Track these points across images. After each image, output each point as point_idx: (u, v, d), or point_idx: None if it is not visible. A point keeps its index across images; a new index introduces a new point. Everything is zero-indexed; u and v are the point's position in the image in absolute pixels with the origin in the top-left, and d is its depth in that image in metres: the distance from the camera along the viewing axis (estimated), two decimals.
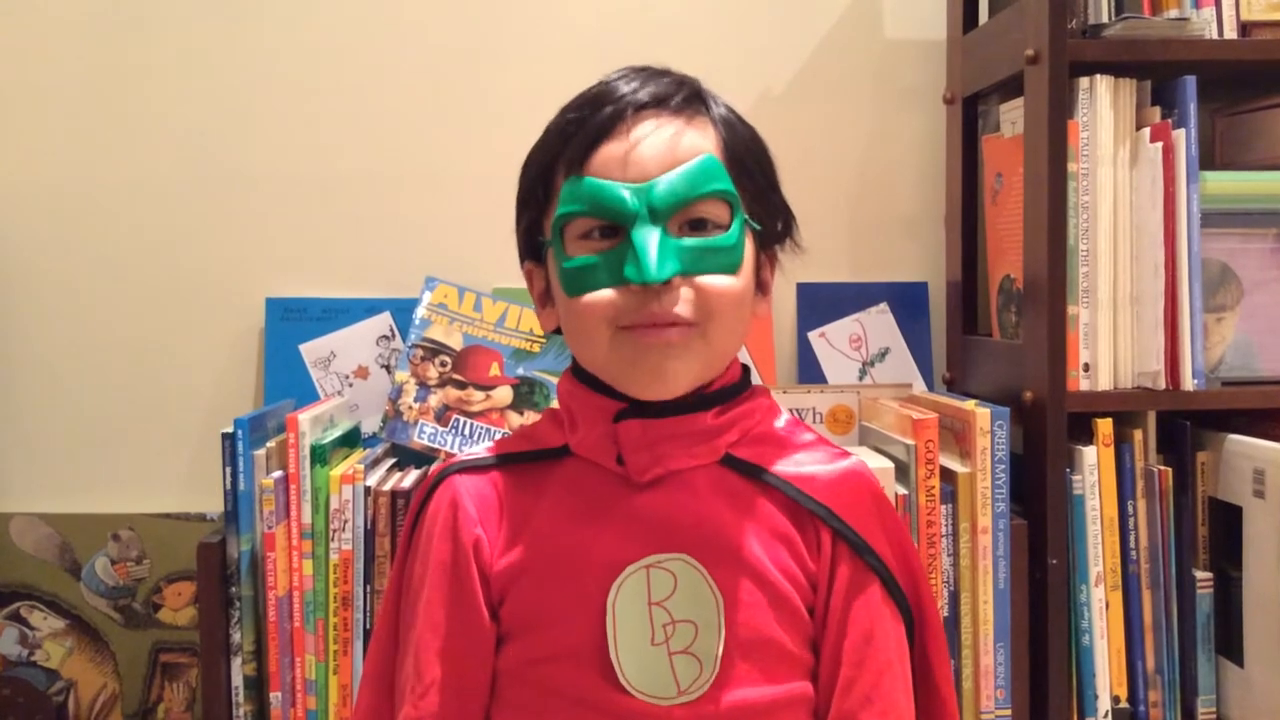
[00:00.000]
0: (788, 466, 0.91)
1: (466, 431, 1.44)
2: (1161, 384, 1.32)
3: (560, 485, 0.91)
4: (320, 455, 1.29)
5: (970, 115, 1.57)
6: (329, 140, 1.59)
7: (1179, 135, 1.31)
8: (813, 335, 1.61)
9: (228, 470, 1.28)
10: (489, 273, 1.51)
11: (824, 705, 0.88)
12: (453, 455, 1.22)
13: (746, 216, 0.90)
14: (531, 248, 0.95)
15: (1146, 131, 1.33)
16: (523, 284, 0.98)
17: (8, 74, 1.57)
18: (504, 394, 1.46)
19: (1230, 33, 1.37)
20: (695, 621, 0.86)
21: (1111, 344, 1.34)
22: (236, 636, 1.28)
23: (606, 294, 0.86)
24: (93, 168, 1.58)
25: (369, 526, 1.29)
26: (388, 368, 1.55)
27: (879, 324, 1.61)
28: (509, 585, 0.89)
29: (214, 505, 1.41)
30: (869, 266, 1.63)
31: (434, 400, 1.45)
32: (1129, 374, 1.35)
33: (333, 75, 1.58)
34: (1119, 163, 1.34)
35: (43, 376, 1.58)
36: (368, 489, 1.29)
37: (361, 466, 1.31)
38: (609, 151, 0.87)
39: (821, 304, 1.61)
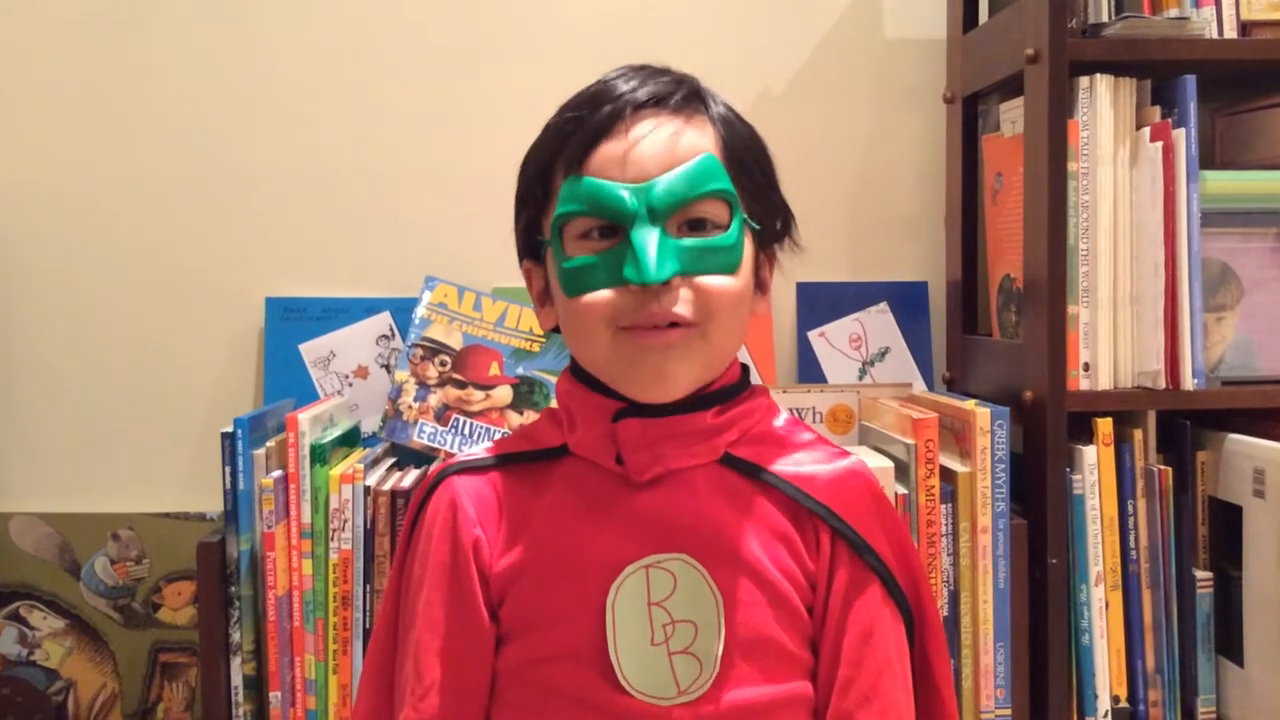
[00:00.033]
0: (787, 466, 0.91)
1: (466, 431, 1.44)
2: (1161, 383, 1.32)
3: (559, 485, 0.91)
4: (320, 455, 1.29)
5: (970, 115, 1.57)
6: (329, 140, 1.59)
7: (1179, 135, 1.31)
8: (813, 335, 1.61)
9: (227, 470, 1.28)
10: (489, 272, 1.51)
11: (823, 704, 0.88)
12: (452, 455, 1.22)
13: (745, 216, 0.90)
14: (530, 247, 0.94)
15: (1146, 131, 1.33)
16: (522, 283, 0.97)
17: (8, 74, 1.57)
18: (504, 393, 1.46)
19: (1230, 32, 1.37)
20: (695, 621, 0.86)
21: (1111, 343, 1.34)
22: (236, 636, 1.28)
23: (605, 294, 0.86)
24: (93, 168, 1.58)
25: (369, 526, 1.29)
26: (387, 367, 1.55)
27: (879, 323, 1.61)
28: (508, 586, 0.89)
29: (214, 505, 1.42)
30: (869, 266, 1.63)
31: (434, 400, 1.45)
32: (1129, 373, 1.34)
33: (333, 75, 1.58)
34: (1119, 162, 1.34)
35: (43, 376, 1.58)
36: (367, 488, 1.29)
37: (361, 466, 1.31)
38: (608, 151, 0.87)
39: (821, 303, 1.61)
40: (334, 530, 1.29)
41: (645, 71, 0.91)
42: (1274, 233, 1.36)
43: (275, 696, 1.29)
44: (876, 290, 1.62)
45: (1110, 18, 1.34)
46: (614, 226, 0.86)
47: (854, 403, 1.46)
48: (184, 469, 1.58)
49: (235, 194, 1.58)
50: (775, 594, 0.87)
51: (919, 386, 1.57)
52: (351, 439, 1.45)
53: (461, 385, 1.46)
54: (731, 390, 0.92)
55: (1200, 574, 1.34)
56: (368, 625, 1.28)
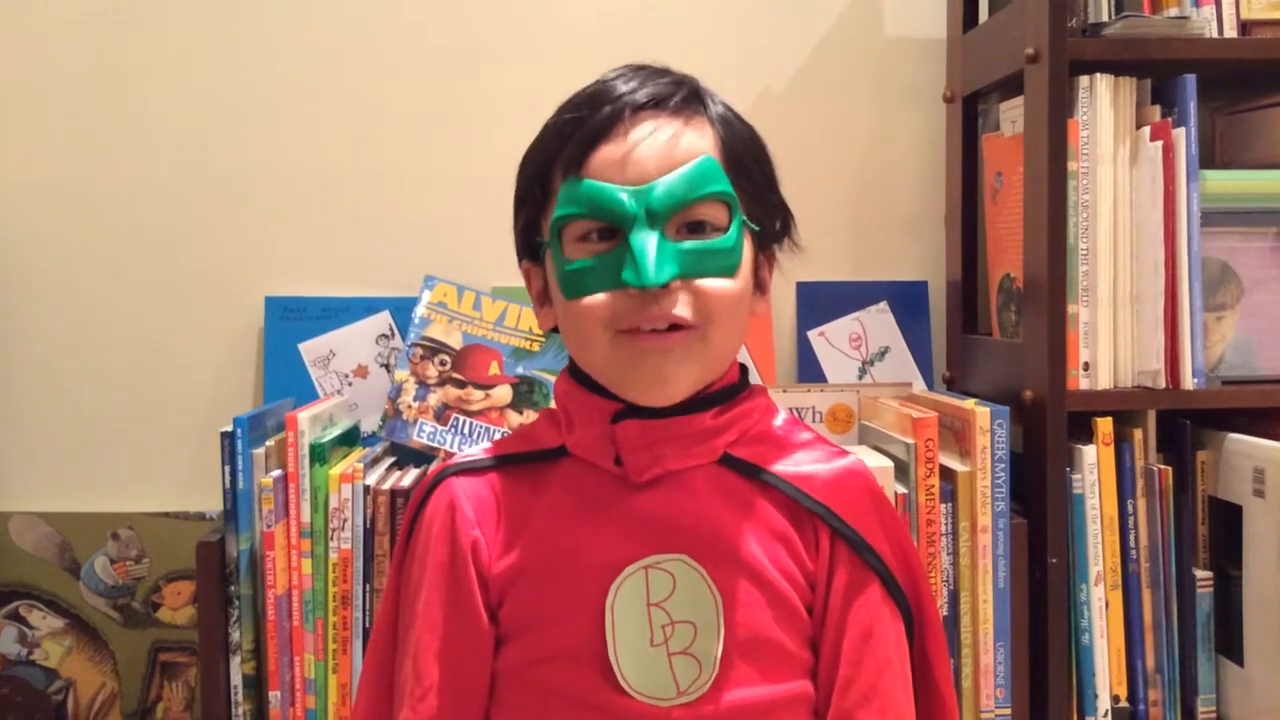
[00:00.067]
0: (786, 466, 0.91)
1: (466, 430, 1.44)
2: (1161, 383, 1.32)
3: (558, 486, 0.91)
4: (319, 454, 1.29)
5: (970, 114, 1.57)
6: (329, 140, 1.59)
7: (1179, 134, 1.31)
8: (812, 334, 1.61)
9: (227, 469, 1.28)
10: (488, 271, 1.51)
11: (823, 704, 0.88)
12: (452, 454, 1.22)
13: (745, 218, 0.89)
14: (529, 247, 0.94)
15: (1146, 130, 1.33)
16: (522, 283, 0.97)
17: (8, 74, 1.57)
18: (503, 393, 1.46)
19: (1230, 31, 1.37)
20: (694, 622, 0.86)
21: (1111, 343, 1.34)
22: (235, 635, 1.28)
23: (604, 297, 0.86)
24: (93, 168, 1.58)
25: (368, 525, 1.29)
26: (387, 366, 1.55)
27: (879, 323, 1.61)
28: (507, 587, 0.89)
29: (213, 504, 1.41)
30: (869, 265, 1.63)
31: (433, 399, 1.45)
32: (1129, 373, 1.34)
33: (333, 75, 1.58)
34: (1119, 161, 1.34)
35: (42, 376, 1.58)
36: (367, 488, 1.29)
37: (361, 465, 1.31)
38: (607, 153, 0.87)
39: (821, 303, 1.61)
40: (333, 530, 1.29)
41: (645, 72, 0.91)
42: (1274, 232, 1.36)
43: (275, 696, 1.29)
44: (876, 290, 1.62)
45: (1110, 17, 1.34)
46: (613, 229, 0.86)
47: (854, 402, 1.46)
48: (183, 468, 1.58)
49: (235, 194, 1.58)
50: (775, 594, 0.87)
51: (919, 386, 1.57)
52: (351, 438, 1.45)
53: (461, 385, 1.46)
54: (731, 391, 0.92)
55: (1200, 573, 1.34)
56: (367, 625, 1.28)
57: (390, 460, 1.44)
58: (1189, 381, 1.31)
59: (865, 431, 1.44)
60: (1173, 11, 1.35)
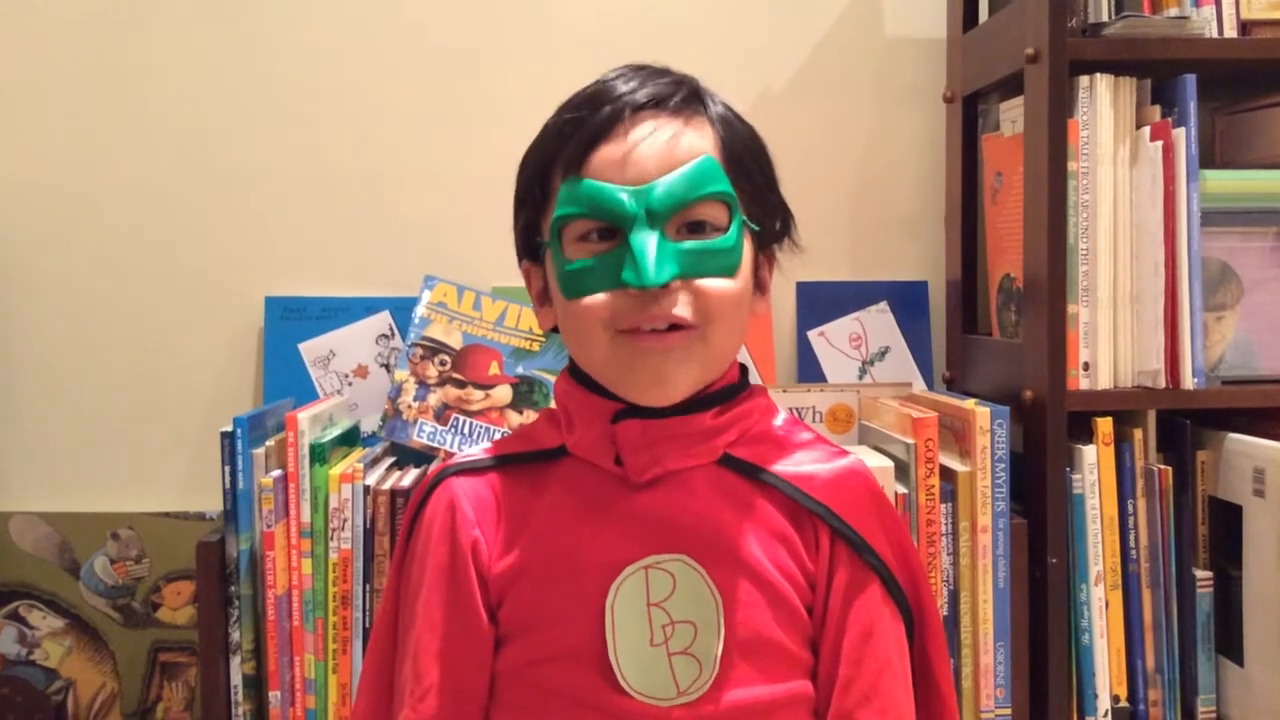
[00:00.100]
0: (786, 466, 0.91)
1: (466, 430, 1.44)
2: (1161, 383, 1.32)
3: (558, 486, 0.91)
4: (319, 454, 1.29)
5: (970, 114, 1.57)
6: (328, 140, 1.59)
7: (1179, 134, 1.31)
8: (812, 334, 1.61)
9: (227, 469, 1.28)
10: (488, 271, 1.51)
11: (824, 704, 0.88)
12: (452, 454, 1.22)
13: (745, 218, 0.89)
14: (529, 247, 0.94)
15: (1146, 130, 1.33)
16: (522, 282, 0.97)
17: (8, 74, 1.57)
18: (503, 393, 1.46)
19: (1230, 31, 1.37)
20: (694, 622, 0.86)
21: (1111, 343, 1.34)
22: (235, 635, 1.28)
23: (604, 297, 0.86)
24: (93, 168, 1.58)
25: (368, 525, 1.29)
26: (387, 366, 1.55)
27: (879, 323, 1.61)
28: (507, 587, 0.89)
29: (213, 504, 1.41)
30: (869, 265, 1.63)
31: (433, 399, 1.45)
32: (1129, 373, 1.34)
33: (333, 75, 1.58)
34: (1119, 161, 1.34)
35: (42, 376, 1.58)
36: (367, 488, 1.29)
37: (361, 465, 1.31)
38: (607, 153, 0.86)
39: (821, 303, 1.61)
40: (333, 530, 1.29)
41: (645, 72, 0.91)
42: (1274, 232, 1.36)
43: (275, 696, 1.29)
44: (876, 290, 1.62)
45: (1110, 17, 1.34)
46: (613, 229, 0.86)
47: (854, 402, 1.46)
48: (183, 468, 1.58)
49: (235, 194, 1.58)
50: (775, 594, 0.87)
51: (919, 386, 1.57)
52: (351, 438, 1.45)
53: (461, 384, 1.46)
54: (730, 391, 0.92)
55: (1200, 573, 1.34)
56: (367, 625, 1.28)
57: (390, 460, 1.44)
58: (1189, 381, 1.31)
59: (865, 431, 1.44)
60: (1173, 11, 1.35)
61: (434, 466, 1.21)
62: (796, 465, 0.91)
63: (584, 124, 0.87)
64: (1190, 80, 1.32)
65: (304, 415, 1.30)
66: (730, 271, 0.88)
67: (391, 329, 1.56)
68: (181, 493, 1.57)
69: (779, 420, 0.95)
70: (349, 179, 1.59)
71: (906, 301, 1.62)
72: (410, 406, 1.45)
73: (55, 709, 1.54)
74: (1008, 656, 1.28)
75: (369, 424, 1.52)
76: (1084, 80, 1.32)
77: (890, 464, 1.28)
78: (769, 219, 0.93)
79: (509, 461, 0.93)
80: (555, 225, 0.88)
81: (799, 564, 0.89)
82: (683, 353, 0.87)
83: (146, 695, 1.56)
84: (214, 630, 1.28)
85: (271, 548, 1.27)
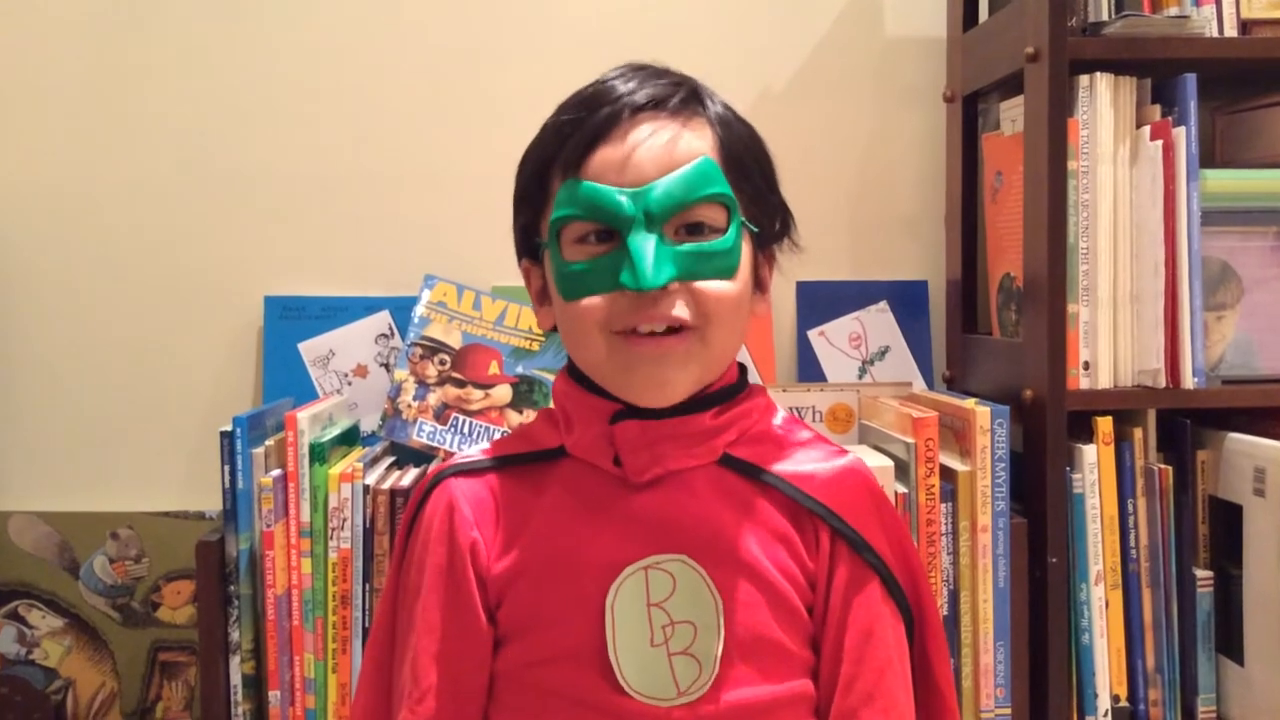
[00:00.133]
0: (786, 465, 0.91)
1: (465, 430, 1.44)
2: (1161, 382, 1.32)
3: (557, 486, 0.91)
4: (319, 453, 1.29)
5: (970, 113, 1.56)
6: (328, 140, 1.59)
7: (1179, 133, 1.31)
8: (812, 334, 1.61)
9: (226, 469, 1.28)
10: (488, 271, 1.51)
11: (825, 703, 0.88)
12: (451, 454, 1.22)
13: (744, 219, 0.89)
14: (528, 246, 0.94)
15: (1147, 129, 1.33)
16: (521, 282, 0.97)
17: (8, 74, 1.57)
18: (503, 392, 1.46)
19: (1230, 31, 1.37)
20: (694, 622, 0.86)
21: (1111, 342, 1.34)
22: (235, 635, 1.28)
23: (602, 298, 0.86)
24: (93, 168, 1.58)
25: (368, 525, 1.29)
26: (387, 366, 1.55)
27: (879, 322, 1.61)
28: (506, 588, 0.89)
29: (213, 504, 1.41)
30: (869, 265, 1.63)
31: (433, 398, 1.45)
32: (1129, 372, 1.34)
33: (333, 75, 1.58)
34: (1119, 161, 1.34)
35: (42, 375, 1.58)
36: (366, 487, 1.29)
37: (360, 465, 1.31)
38: (605, 155, 0.86)
39: (821, 302, 1.61)
40: (333, 529, 1.29)
41: (644, 72, 0.91)
42: (1274, 231, 1.36)
43: (274, 695, 1.29)
44: (876, 289, 1.62)
45: (1110, 16, 1.34)
46: (611, 231, 0.86)
47: (854, 402, 1.46)
48: (183, 468, 1.58)
49: (235, 194, 1.58)
50: (775, 594, 0.87)
51: (919, 385, 1.57)
52: (351, 438, 1.45)
53: (461, 384, 1.46)
54: (730, 391, 0.92)
55: (1200, 573, 1.34)
56: (367, 624, 1.28)
57: (390, 460, 1.43)
58: (1189, 381, 1.31)
59: (865, 431, 1.44)
60: (1173, 11, 1.35)
61: (433, 467, 1.21)
62: (796, 465, 0.91)
63: (583, 125, 0.87)
64: (1190, 79, 1.32)
65: (303, 415, 1.30)
66: (729, 273, 0.87)
67: (391, 328, 1.56)
68: (181, 492, 1.57)
69: (778, 420, 0.95)
70: (349, 179, 1.59)
71: (906, 301, 1.62)
72: (410, 406, 1.45)
73: (55, 708, 1.54)
74: (1008, 656, 1.28)
75: (368, 423, 1.52)
76: (1084, 79, 1.32)
77: (890, 463, 1.28)
78: (768, 219, 0.93)
79: (508, 462, 0.93)
80: (553, 226, 0.88)
81: (799, 563, 0.89)
82: (682, 356, 0.87)
83: (146, 695, 1.56)
84: (214, 630, 1.28)
85: (271, 547, 1.27)
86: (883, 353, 1.61)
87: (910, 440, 1.26)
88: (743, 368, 0.96)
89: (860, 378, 1.60)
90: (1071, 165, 1.31)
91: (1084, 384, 1.33)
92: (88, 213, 1.58)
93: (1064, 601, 1.29)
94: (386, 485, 1.30)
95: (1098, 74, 1.32)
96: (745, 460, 0.90)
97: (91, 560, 1.55)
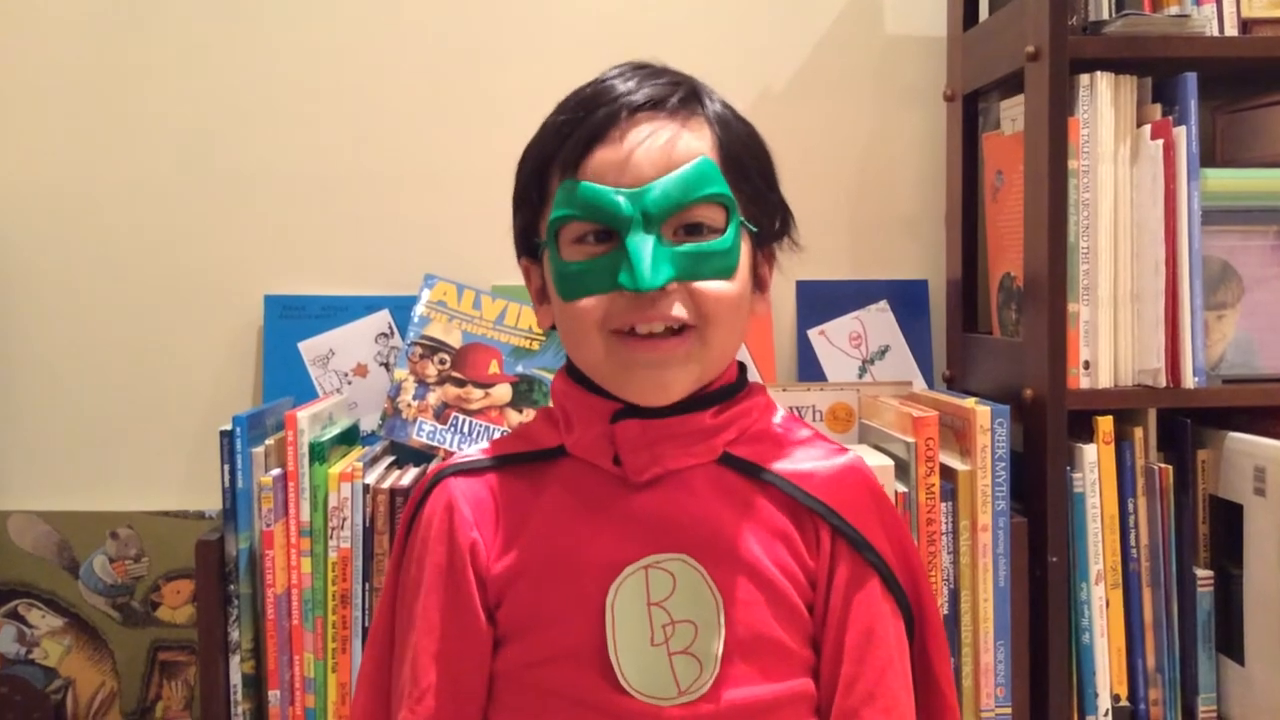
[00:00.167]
0: (786, 464, 0.91)
1: (465, 429, 1.44)
2: (1162, 381, 1.32)
3: (557, 486, 0.91)
4: (319, 453, 1.29)
5: (971, 112, 1.56)
6: (328, 139, 1.59)
7: (1180, 132, 1.31)
8: (813, 333, 1.61)
9: (226, 468, 1.28)
10: (488, 270, 1.51)
11: (826, 702, 0.88)
12: (451, 453, 1.22)
13: (743, 219, 0.89)
14: (528, 246, 0.94)
15: (1147, 128, 1.33)
16: (521, 281, 0.97)
17: (8, 74, 1.57)
18: (503, 391, 1.46)
19: (1231, 30, 1.37)
20: (694, 621, 0.86)
21: (1112, 341, 1.34)
22: (235, 634, 1.28)
23: (600, 299, 0.86)
24: (93, 168, 1.58)
25: (367, 524, 1.29)
26: (386, 365, 1.55)
27: (879, 322, 1.61)
28: (506, 587, 0.89)
29: (212, 503, 1.41)
30: (869, 264, 1.63)
31: (433, 398, 1.45)
32: (1129, 371, 1.34)
33: (333, 75, 1.58)
34: (1120, 160, 1.34)
35: (42, 375, 1.58)
36: (366, 487, 1.29)
37: (360, 464, 1.31)
38: (604, 155, 0.86)
39: (821, 302, 1.61)
40: (333, 528, 1.29)
41: (644, 72, 0.91)
42: (1274, 230, 1.36)
43: (274, 695, 1.29)
44: (877, 288, 1.62)
45: (1111, 15, 1.34)
46: (609, 231, 0.86)
47: (854, 401, 1.46)
48: (183, 467, 1.58)
49: (235, 193, 1.58)
50: (775, 593, 0.87)
51: (919, 385, 1.57)
52: (350, 437, 1.45)
53: (461, 383, 1.46)
54: (729, 390, 0.92)
55: (1201, 572, 1.34)
56: (367, 624, 1.28)
57: (390, 459, 1.43)
58: (1189, 380, 1.31)
59: (865, 430, 1.44)
60: (1173, 10, 1.35)
61: (432, 466, 1.21)
62: (796, 463, 0.91)
63: (581, 125, 0.87)
64: (1191, 78, 1.31)
65: (303, 414, 1.30)
66: (728, 273, 0.87)
67: (391, 328, 1.56)
68: (181, 492, 1.57)
69: (778, 418, 0.95)
70: (349, 179, 1.59)
71: (907, 300, 1.61)
72: (410, 405, 1.44)
73: (54, 708, 1.54)
74: (1008, 655, 1.27)
75: (368, 423, 1.52)
76: (1084, 78, 1.32)
77: (890, 463, 1.28)
78: (768, 218, 0.93)
79: (507, 462, 0.93)
80: (552, 226, 0.88)
81: (799, 562, 0.89)
82: (681, 357, 0.87)
83: (146, 694, 1.55)
84: (213, 629, 1.28)
85: (271, 546, 1.27)
86: (883, 352, 1.61)
87: (910, 439, 1.26)
88: (742, 367, 0.95)
89: (860, 377, 1.60)
90: (1072, 164, 1.31)
91: (1084, 383, 1.32)
92: (88, 213, 1.58)
93: (1064, 601, 1.29)
94: (386, 485, 1.30)
95: (1098, 73, 1.32)
96: (745, 459, 0.90)
97: (91, 560, 1.55)
